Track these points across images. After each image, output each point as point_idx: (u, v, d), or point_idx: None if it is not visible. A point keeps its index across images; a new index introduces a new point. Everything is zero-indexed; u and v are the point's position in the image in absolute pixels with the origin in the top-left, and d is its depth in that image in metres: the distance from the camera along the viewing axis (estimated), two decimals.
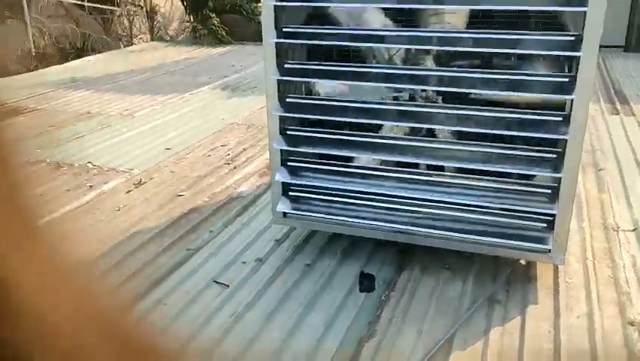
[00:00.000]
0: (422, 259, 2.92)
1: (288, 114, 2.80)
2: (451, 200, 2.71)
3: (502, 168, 2.57)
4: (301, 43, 2.82)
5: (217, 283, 2.81)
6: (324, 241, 3.11)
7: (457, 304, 2.61)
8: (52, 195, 3.91)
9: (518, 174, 2.60)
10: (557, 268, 2.83)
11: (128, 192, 3.91)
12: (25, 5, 10.04)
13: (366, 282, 2.79)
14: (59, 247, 0.47)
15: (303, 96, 2.86)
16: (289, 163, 2.91)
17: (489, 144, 2.60)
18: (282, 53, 2.74)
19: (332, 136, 2.82)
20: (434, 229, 2.74)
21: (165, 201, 3.71)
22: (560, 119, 2.45)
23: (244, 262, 2.98)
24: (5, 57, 11.85)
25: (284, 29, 2.70)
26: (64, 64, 9.29)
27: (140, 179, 4.10)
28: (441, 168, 2.75)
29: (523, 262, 2.86)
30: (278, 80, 2.75)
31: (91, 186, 4.02)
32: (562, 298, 2.63)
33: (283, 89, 2.79)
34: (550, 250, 2.60)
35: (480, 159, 2.60)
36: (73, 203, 3.76)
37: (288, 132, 2.85)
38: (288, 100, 2.81)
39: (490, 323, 2.48)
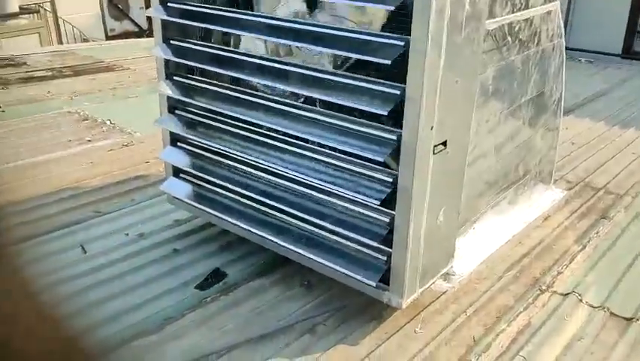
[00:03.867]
0: (287, 268, 2.70)
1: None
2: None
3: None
4: None
5: (82, 247, 2.89)
6: (218, 230, 3.01)
7: (274, 322, 2.37)
8: None
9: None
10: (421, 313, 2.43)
11: None
12: None
13: (212, 279, 2.66)
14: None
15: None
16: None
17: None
18: None
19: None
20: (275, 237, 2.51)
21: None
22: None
23: (127, 234, 3.01)
24: None
25: None
26: None
27: None
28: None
29: None
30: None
31: None
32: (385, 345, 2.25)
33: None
34: (376, 286, 2.24)
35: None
36: None
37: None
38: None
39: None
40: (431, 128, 2.07)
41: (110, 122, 4.75)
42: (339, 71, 2.23)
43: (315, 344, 2.27)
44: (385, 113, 2.00)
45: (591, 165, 4.21)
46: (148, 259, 2.82)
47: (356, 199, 2.23)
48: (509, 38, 2.49)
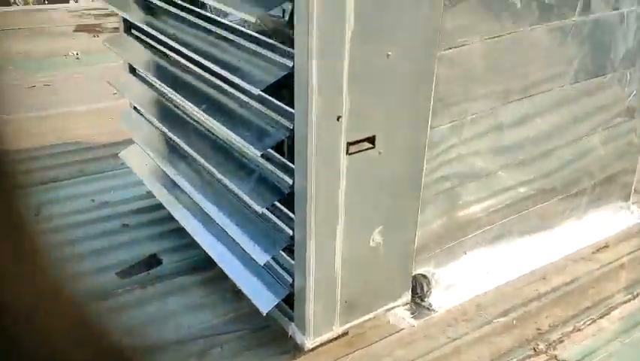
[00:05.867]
0: None
1: None
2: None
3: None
4: None
5: (37, 208, 2.71)
6: None
7: (172, 332, 1.98)
8: None
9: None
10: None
11: None
12: None
13: (140, 266, 2.33)
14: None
15: None
16: None
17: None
18: None
19: None
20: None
21: None
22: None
23: (92, 200, 2.79)
24: None
25: None
26: None
27: None
28: None
29: None
30: None
31: None
32: None
33: None
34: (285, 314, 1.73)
35: None
36: None
37: None
38: None
39: None
40: (338, 119, 1.49)
41: None
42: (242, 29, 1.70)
43: None
44: (256, 92, 1.46)
45: None
46: (95, 231, 2.56)
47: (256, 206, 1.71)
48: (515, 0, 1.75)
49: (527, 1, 1.79)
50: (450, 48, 1.68)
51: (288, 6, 1.45)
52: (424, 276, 2.11)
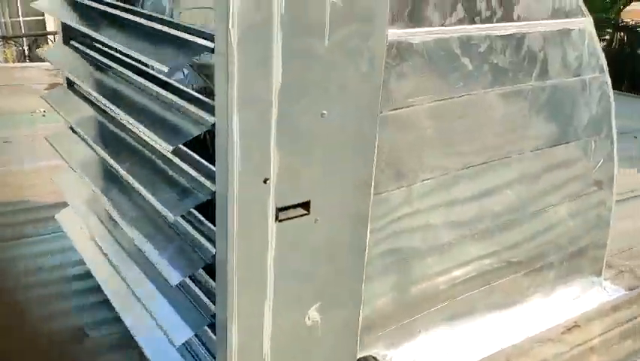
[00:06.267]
0: None
1: None
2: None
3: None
4: None
5: None
6: None
7: None
8: None
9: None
10: None
11: None
12: None
13: (63, 342, 2.10)
14: None
15: None
16: None
17: None
18: None
19: None
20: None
21: None
22: None
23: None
24: None
25: None
26: None
27: None
28: None
29: None
30: None
31: None
32: None
33: None
34: None
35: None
36: None
37: None
38: None
39: None
40: (265, 182, 1.34)
41: None
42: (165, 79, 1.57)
43: None
44: (170, 149, 1.31)
45: None
46: (22, 297, 2.34)
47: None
48: (464, 60, 1.65)
49: (479, 64, 1.69)
50: (396, 109, 1.56)
51: None
52: (374, 358, 1.91)
